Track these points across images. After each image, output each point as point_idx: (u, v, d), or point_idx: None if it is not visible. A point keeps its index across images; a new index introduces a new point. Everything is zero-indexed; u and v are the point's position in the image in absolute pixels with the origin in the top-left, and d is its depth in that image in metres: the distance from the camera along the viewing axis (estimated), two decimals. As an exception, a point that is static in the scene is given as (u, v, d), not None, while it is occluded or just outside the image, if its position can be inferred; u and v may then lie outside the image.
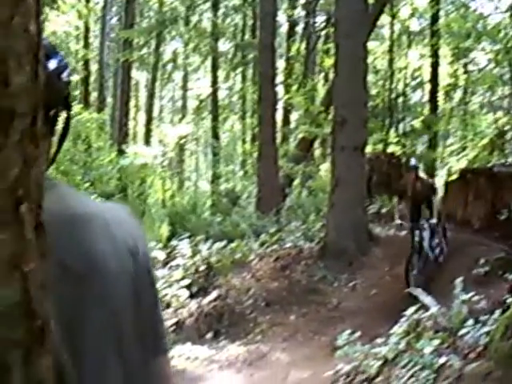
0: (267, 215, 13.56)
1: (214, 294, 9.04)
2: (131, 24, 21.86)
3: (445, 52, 22.27)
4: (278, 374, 6.88)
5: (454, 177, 14.03)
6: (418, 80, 23.29)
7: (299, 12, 22.73)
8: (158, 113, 29.41)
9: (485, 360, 4.71)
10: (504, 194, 10.84)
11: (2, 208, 0.51)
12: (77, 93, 22.08)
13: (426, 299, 7.53)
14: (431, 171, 20.06)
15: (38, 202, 0.56)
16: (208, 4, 23.08)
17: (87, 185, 14.28)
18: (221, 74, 24.76)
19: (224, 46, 24.06)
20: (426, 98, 22.65)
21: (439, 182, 14.60)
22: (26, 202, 0.53)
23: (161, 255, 10.06)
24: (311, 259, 10.59)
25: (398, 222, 10.08)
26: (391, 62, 21.97)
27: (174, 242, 10.98)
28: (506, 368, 4.35)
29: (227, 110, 25.87)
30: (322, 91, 21.04)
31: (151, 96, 25.87)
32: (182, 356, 7.22)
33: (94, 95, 24.32)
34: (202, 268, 9.77)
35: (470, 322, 5.54)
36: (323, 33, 21.84)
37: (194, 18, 23.85)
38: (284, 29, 23.25)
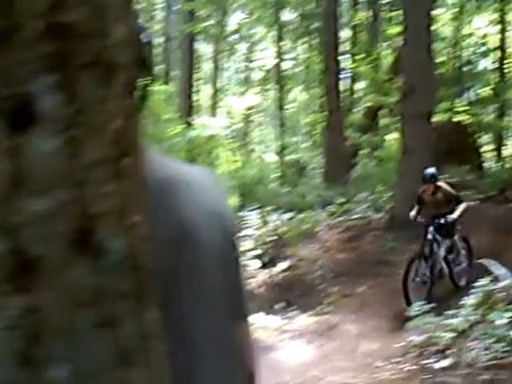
0: (334, 186, 13.45)
1: (284, 265, 9.08)
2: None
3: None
4: (347, 344, 6.91)
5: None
6: (485, 47, 22.38)
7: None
8: (223, 85, 29.45)
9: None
10: None
11: (107, 160, 0.50)
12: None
13: (499, 271, 7.33)
14: (499, 141, 19.45)
15: (140, 154, 0.55)
16: (272, -26, 22.80)
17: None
18: (285, 44, 24.53)
19: (288, 16, 23.76)
20: (493, 65, 21.77)
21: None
22: (128, 155, 0.52)
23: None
24: (379, 230, 10.48)
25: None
26: (457, 28, 21.21)
27: (242, 213, 11.05)
28: None
29: (292, 80, 25.64)
30: (387, 60, 20.55)
31: (216, 68, 25.92)
32: (255, 325, 7.30)
33: (159, 68, 24.55)
34: (271, 239, 9.82)
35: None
36: (387, 0, 21.26)
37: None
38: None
